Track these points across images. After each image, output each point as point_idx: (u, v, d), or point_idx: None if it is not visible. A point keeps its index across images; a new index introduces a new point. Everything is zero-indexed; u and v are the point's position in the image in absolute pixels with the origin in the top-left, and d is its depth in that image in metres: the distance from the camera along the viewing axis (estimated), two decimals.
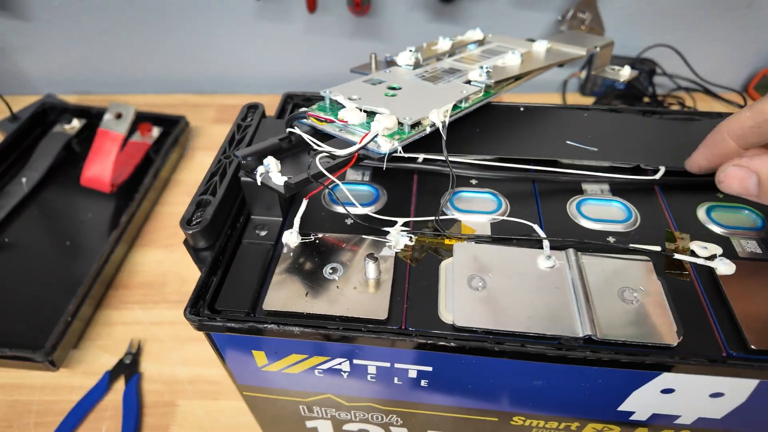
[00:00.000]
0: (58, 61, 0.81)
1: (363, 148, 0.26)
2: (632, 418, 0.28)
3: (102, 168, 0.57)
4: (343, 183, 0.32)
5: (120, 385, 0.46)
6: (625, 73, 0.39)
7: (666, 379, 0.24)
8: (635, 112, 0.37)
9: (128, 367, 0.47)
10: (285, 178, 0.25)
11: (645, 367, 0.23)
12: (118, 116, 0.59)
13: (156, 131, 0.68)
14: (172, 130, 0.69)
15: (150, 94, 0.83)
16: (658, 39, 0.74)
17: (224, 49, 0.80)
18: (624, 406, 0.27)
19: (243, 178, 0.27)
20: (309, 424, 0.33)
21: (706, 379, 0.23)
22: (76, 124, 0.69)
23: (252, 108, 0.34)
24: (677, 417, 0.27)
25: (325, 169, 0.25)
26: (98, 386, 0.46)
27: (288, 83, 0.83)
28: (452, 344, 0.23)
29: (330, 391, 0.29)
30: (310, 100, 0.38)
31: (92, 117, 0.69)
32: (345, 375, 0.27)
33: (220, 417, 0.44)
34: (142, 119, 0.68)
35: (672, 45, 0.74)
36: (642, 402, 0.26)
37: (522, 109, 0.36)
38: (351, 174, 0.33)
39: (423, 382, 0.27)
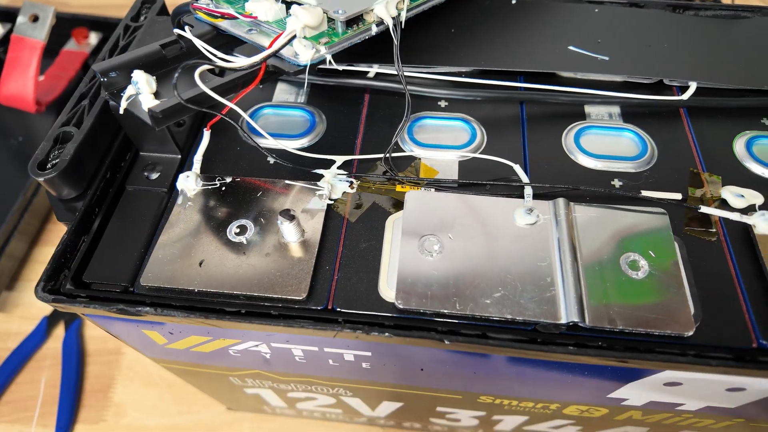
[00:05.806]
0: None
1: (272, 56, 0.18)
2: (625, 403, 0.22)
3: (22, 83, 0.48)
4: (267, 105, 0.24)
5: (60, 332, 0.42)
6: None
7: (673, 374, 0.18)
8: (663, 8, 0.28)
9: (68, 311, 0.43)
10: (154, 103, 0.17)
11: (646, 365, 0.17)
12: (35, 19, 0.49)
13: (94, 37, 0.58)
14: None
15: None
16: None
17: None
18: (615, 395, 0.21)
19: (111, 103, 0.20)
20: (248, 391, 0.29)
21: (726, 377, 0.18)
22: None
23: (148, 3, 0.25)
24: (680, 405, 0.22)
25: (213, 89, 0.18)
26: (35, 332, 0.42)
27: None
28: (387, 334, 0.17)
29: (257, 367, 0.24)
30: None
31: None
32: (267, 356, 0.22)
33: None
34: (77, 23, 0.58)
35: None
36: (638, 392, 0.21)
37: (514, 1, 0.27)
38: (281, 93, 0.25)
39: (365, 365, 0.21)
